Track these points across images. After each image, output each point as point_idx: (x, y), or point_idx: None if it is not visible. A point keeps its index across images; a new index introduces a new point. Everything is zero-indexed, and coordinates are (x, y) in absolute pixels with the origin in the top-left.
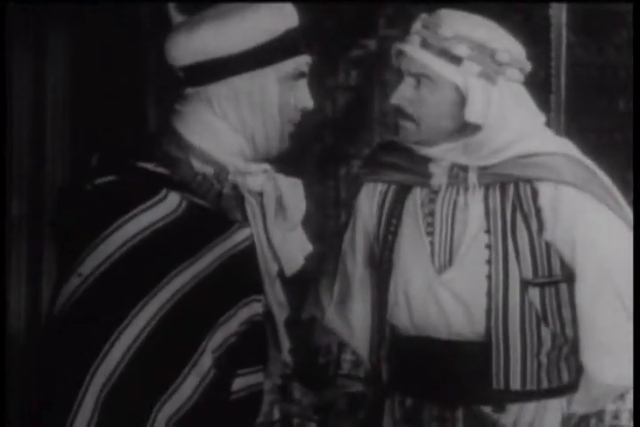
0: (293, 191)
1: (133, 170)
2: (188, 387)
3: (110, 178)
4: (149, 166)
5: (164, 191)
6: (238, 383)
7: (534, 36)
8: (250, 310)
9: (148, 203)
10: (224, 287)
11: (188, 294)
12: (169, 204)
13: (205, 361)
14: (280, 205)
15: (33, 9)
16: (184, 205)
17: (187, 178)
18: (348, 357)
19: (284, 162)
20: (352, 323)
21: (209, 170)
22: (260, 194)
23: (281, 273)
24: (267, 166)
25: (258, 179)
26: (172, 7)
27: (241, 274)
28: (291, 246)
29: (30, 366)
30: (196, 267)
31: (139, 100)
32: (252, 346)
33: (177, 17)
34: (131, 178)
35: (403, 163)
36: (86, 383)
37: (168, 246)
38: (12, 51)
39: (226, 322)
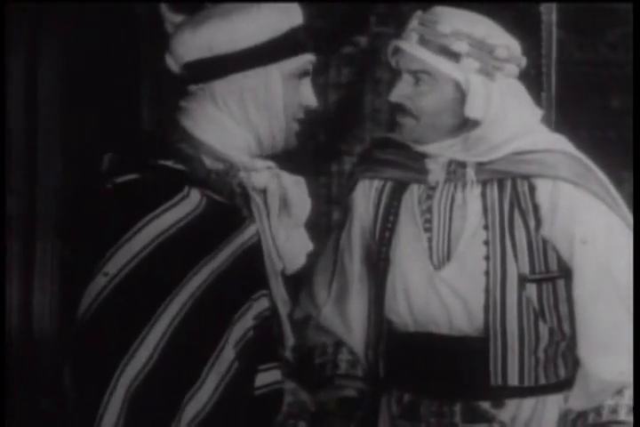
0: (297, 189)
1: (155, 168)
2: (209, 385)
3: (132, 176)
4: (170, 164)
5: (186, 189)
6: (260, 379)
7: (525, 33)
8: (261, 304)
9: (173, 201)
10: (238, 282)
11: (208, 289)
12: (191, 201)
13: (226, 357)
14: (284, 202)
15: (26, 7)
16: (204, 201)
17: (203, 175)
18: (344, 356)
19: (277, 159)
20: (349, 320)
21: (220, 166)
22: (264, 191)
23: (283, 270)
24: (270, 163)
25: (262, 176)
26: (164, 7)
27: (251, 269)
28: (293, 245)
29: (50, 365)
30: (213, 263)
31: (133, 98)
32: (268, 341)
33: (171, 16)
34: (153, 176)
35: (399, 159)
36: (114, 382)
37: (191, 243)
38: (5, 46)
39: (243, 316)
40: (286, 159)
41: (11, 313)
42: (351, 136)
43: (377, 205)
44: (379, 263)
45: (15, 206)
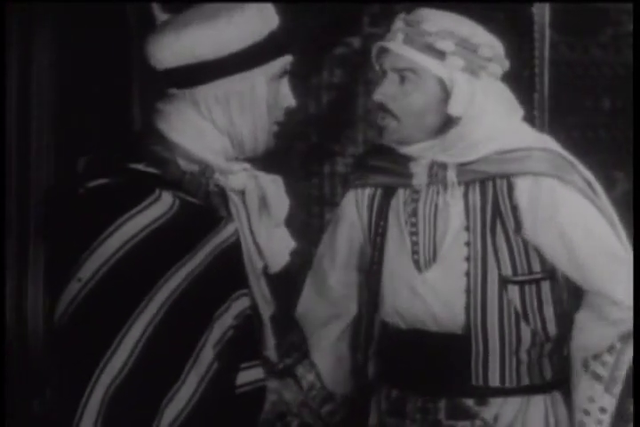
0: (275, 188)
1: (125, 172)
2: (189, 385)
3: (103, 181)
4: (140, 167)
5: (157, 191)
6: (242, 377)
7: (518, 34)
8: (241, 303)
9: (144, 204)
10: (217, 282)
11: (185, 290)
12: (163, 203)
13: (205, 357)
14: (263, 202)
15: (25, 7)
16: (177, 203)
17: (176, 177)
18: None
19: (269, 160)
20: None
21: (194, 168)
22: (242, 192)
23: (266, 270)
24: (247, 165)
25: (239, 177)
26: (156, 7)
27: (230, 268)
28: (275, 244)
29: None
30: (190, 264)
31: (124, 101)
32: (250, 340)
33: (161, 16)
34: (123, 180)
35: (387, 165)
36: (91, 384)
37: (165, 246)
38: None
39: (221, 316)
40: (278, 160)
41: (9, 313)
42: (344, 137)
43: (370, 212)
44: (372, 267)
45: (10, 211)
